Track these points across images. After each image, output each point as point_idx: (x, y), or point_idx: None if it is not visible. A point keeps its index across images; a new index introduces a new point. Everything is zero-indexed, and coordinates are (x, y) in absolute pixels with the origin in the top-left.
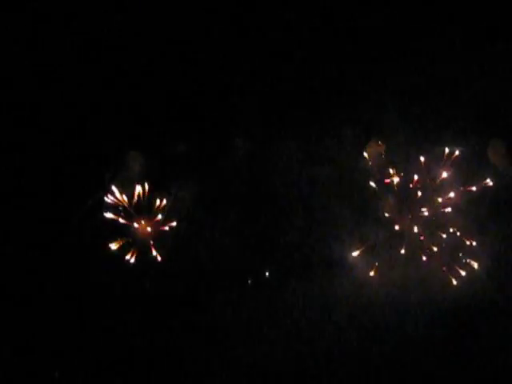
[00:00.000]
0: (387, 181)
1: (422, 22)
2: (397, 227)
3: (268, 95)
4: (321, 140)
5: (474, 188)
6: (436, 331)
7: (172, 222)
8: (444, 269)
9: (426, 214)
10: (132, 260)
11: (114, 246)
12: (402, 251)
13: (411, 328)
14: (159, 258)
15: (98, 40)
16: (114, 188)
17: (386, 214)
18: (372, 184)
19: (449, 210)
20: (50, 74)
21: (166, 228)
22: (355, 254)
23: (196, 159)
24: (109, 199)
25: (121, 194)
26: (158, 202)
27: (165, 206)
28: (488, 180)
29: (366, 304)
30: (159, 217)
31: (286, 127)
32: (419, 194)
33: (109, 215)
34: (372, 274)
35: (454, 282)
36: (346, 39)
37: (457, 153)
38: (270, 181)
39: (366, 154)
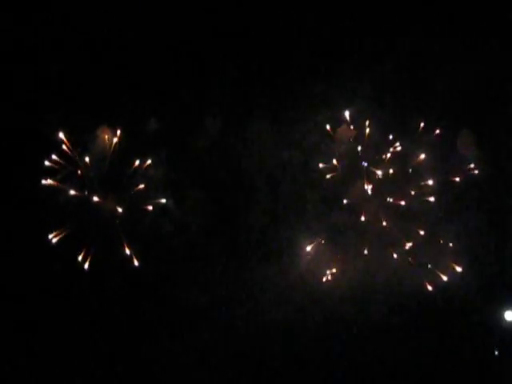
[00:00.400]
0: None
1: (400, 13)
2: (363, 218)
3: (240, 78)
4: (291, 124)
5: (457, 179)
6: (395, 325)
7: (160, 199)
8: (411, 264)
9: (402, 203)
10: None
11: (53, 239)
12: (365, 251)
13: (369, 321)
14: (136, 263)
15: (75, 20)
16: (61, 135)
17: (349, 201)
18: (337, 165)
19: (430, 199)
20: (28, 45)
21: (149, 207)
22: (309, 248)
23: (167, 137)
24: (49, 161)
25: (67, 145)
26: (137, 162)
27: (148, 166)
28: (472, 165)
29: (324, 295)
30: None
31: (257, 110)
32: (393, 178)
33: (48, 182)
34: (325, 279)
35: (430, 288)
36: (319, 25)
37: (437, 131)
38: (239, 162)
39: (335, 138)
